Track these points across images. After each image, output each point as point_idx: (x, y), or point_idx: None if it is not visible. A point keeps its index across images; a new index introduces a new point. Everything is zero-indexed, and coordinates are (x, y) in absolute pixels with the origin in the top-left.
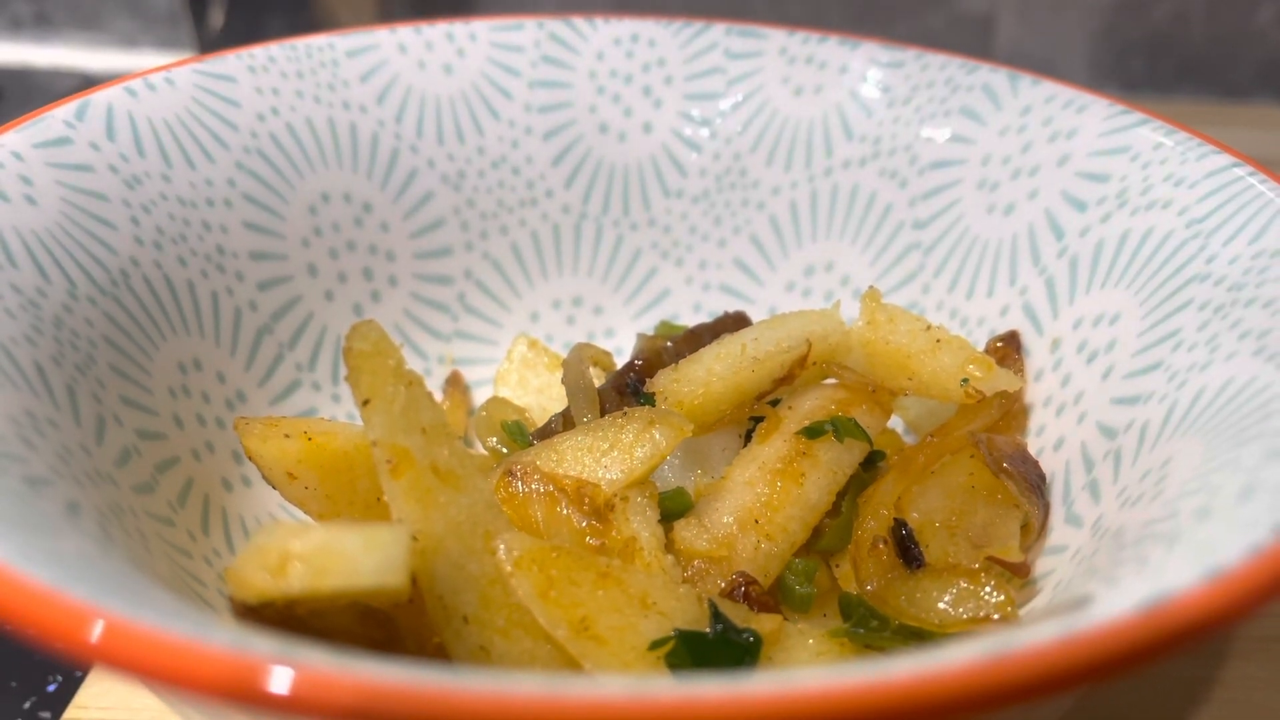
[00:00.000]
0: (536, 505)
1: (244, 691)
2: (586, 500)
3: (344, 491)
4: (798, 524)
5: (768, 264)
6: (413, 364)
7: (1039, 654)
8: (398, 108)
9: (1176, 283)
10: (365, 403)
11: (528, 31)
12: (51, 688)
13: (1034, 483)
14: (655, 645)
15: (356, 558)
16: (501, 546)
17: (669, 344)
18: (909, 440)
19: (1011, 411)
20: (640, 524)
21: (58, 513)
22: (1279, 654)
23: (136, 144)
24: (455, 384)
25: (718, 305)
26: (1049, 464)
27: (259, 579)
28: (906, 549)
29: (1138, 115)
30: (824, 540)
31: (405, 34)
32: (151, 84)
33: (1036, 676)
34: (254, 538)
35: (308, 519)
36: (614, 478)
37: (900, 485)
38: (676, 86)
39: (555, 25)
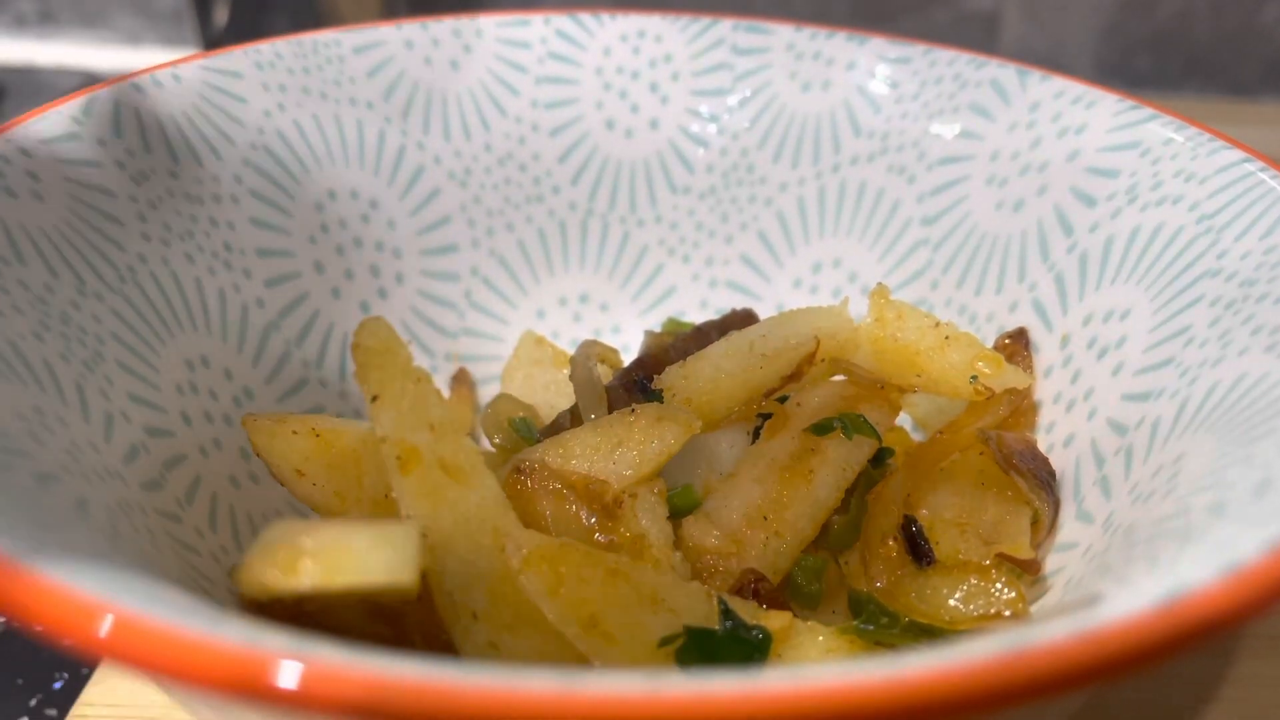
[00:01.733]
0: (545, 502)
1: (253, 686)
2: (595, 497)
3: (351, 488)
4: (806, 521)
5: (775, 261)
6: (419, 361)
7: (1055, 651)
8: (404, 104)
9: (1188, 278)
10: (374, 399)
11: (534, 28)
12: (58, 685)
13: (1044, 479)
14: (665, 642)
15: (367, 555)
16: (510, 543)
17: (676, 341)
18: (917, 437)
19: (1021, 408)
20: (649, 521)
21: (66, 509)
22: None
23: (143, 140)
24: (462, 381)
25: (725, 302)
26: (1059, 461)
27: (269, 576)
28: (916, 546)
29: (1147, 110)
30: (833, 537)
31: (412, 30)
32: (158, 80)
33: (1053, 674)
34: (263, 535)
35: (315, 516)
36: (623, 474)
37: (910, 482)
38: (683, 82)
39: (562, 21)
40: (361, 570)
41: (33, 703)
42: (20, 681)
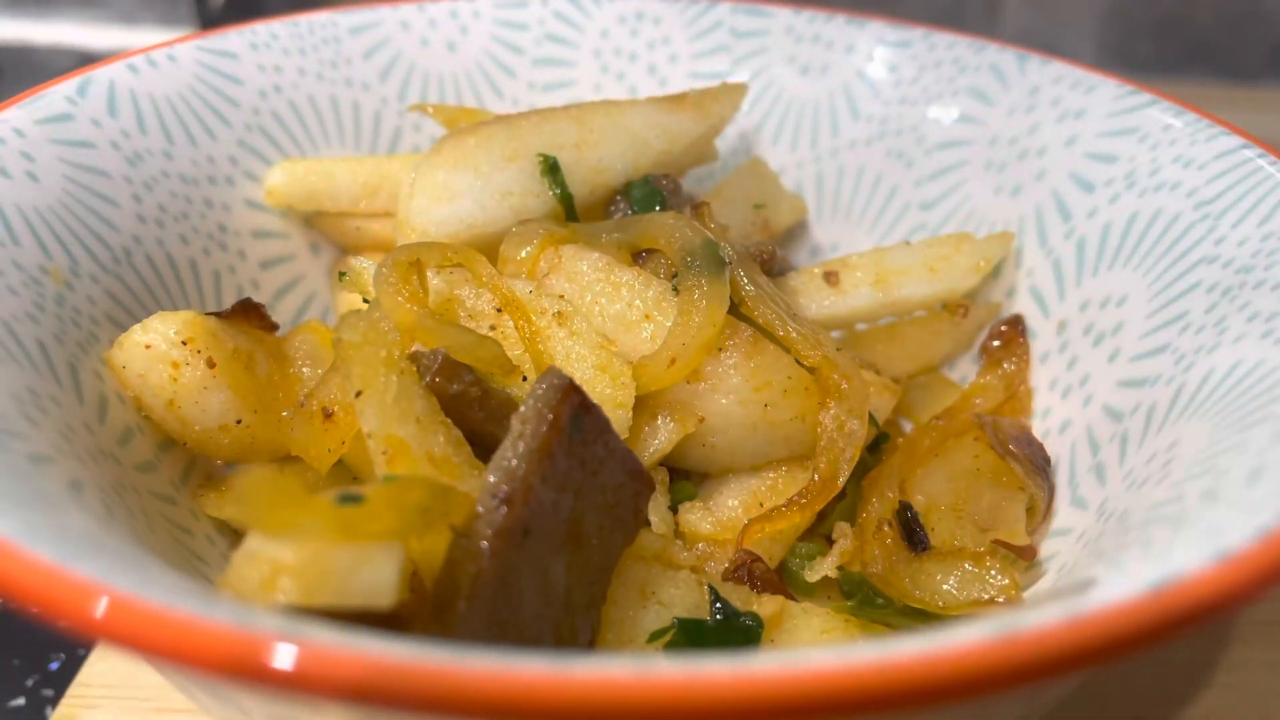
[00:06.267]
0: None
1: (247, 668)
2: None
3: None
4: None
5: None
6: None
7: (1046, 634)
8: (400, 85)
9: (1184, 265)
10: (357, 394)
11: (532, 9)
12: (54, 665)
13: (1039, 465)
14: (655, 636)
15: (346, 578)
16: None
17: None
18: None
19: (1017, 394)
20: (651, 509)
21: (60, 490)
22: None
23: (139, 121)
24: None
25: None
26: (1054, 447)
27: (247, 590)
28: (912, 532)
29: (1146, 96)
30: (829, 523)
31: (408, 11)
32: (154, 60)
33: (1044, 657)
34: (245, 543)
35: None
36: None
37: (905, 468)
38: (682, 65)
39: (559, 2)
40: (340, 592)
41: (29, 683)
42: (17, 662)
